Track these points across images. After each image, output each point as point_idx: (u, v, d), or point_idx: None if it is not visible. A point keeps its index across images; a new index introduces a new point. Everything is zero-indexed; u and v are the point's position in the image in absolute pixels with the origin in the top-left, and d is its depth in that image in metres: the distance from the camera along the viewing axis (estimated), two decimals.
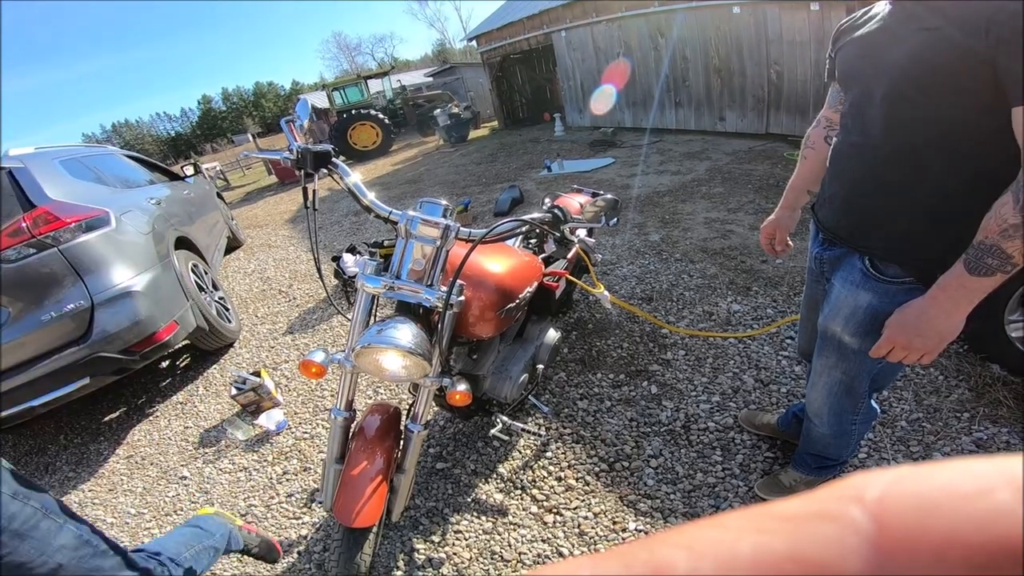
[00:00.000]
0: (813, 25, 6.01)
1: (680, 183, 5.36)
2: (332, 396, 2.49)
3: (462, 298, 1.13)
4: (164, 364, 3.30)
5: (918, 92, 0.88)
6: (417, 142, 14.17)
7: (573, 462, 1.85)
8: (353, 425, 1.27)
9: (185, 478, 2.21)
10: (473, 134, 12.54)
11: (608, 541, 1.56)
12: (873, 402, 1.33)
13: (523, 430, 1.77)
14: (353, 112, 12.39)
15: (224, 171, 16.38)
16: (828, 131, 1.28)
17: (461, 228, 1.13)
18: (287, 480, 2.03)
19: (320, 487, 1.47)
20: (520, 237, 1.99)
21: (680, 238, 3.72)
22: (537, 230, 1.31)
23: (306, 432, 2.27)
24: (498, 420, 1.71)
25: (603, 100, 8.63)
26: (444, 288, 1.11)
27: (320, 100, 21.46)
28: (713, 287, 2.95)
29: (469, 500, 1.78)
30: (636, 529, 1.58)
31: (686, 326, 2.58)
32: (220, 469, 2.20)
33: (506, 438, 1.87)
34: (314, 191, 1.21)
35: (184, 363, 3.26)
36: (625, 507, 1.66)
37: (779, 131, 6.91)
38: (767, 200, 4.41)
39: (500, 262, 1.43)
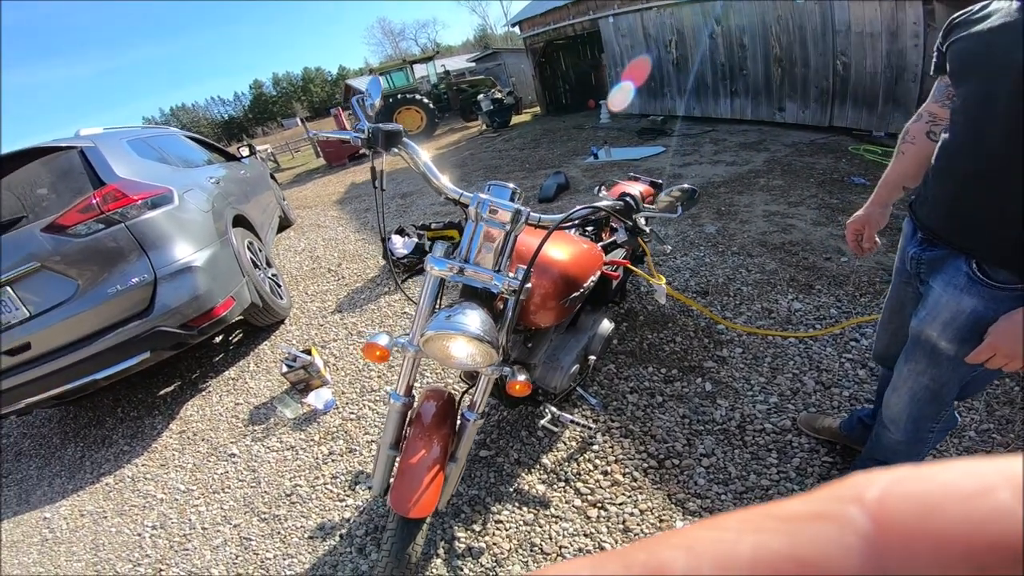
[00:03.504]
0: (885, 16, 5.60)
1: (736, 174, 5.11)
2: (379, 377, 2.51)
3: (529, 285, 1.08)
4: (217, 339, 3.42)
5: None
6: (460, 127, 14.17)
7: (621, 457, 1.79)
8: (410, 411, 1.24)
9: (234, 455, 2.27)
10: (515, 120, 12.43)
11: None
12: (954, 411, 1.25)
13: (572, 422, 1.72)
14: (399, 96, 12.50)
15: (275, 153, 16.96)
16: (931, 126, 1.20)
17: (532, 213, 1.07)
18: (332, 461, 2.06)
19: (371, 471, 1.47)
20: (578, 225, 1.93)
21: (737, 231, 3.54)
22: (608, 217, 1.24)
23: (352, 413, 2.29)
24: (547, 411, 1.67)
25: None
26: (512, 274, 1.06)
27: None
28: (772, 283, 2.79)
29: (511, 490, 1.75)
30: None
31: (743, 323, 2.45)
32: (268, 447, 2.25)
33: (555, 429, 1.83)
34: (382, 171, 1.18)
35: (237, 339, 3.38)
36: (673, 505, 1.60)
37: (843, 124, 6.48)
38: (831, 195, 4.14)
39: (565, 250, 1.37)
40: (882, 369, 1.50)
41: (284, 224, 6.03)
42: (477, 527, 1.65)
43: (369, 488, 1.86)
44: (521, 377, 1.14)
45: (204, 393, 2.85)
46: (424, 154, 1.14)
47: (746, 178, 4.92)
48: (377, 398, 2.36)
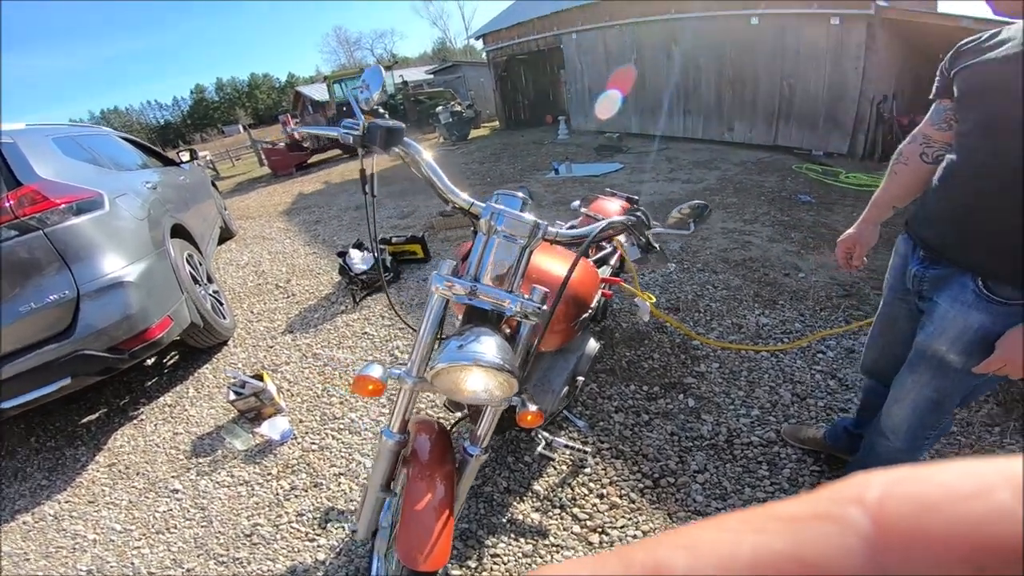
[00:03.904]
0: (832, 39, 5.99)
1: (692, 191, 5.26)
2: (341, 403, 2.30)
3: (546, 307, 0.97)
4: (149, 362, 3.07)
5: None
6: (417, 138, 13.94)
7: (615, 478, 1.72)
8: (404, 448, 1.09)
9: (177, 491, 2.00)
10: (474, 133, 12.39)
11: None
12: (951, 418, 1.29)
13: (566, 446, 1.63)
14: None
15: (214, 160, 16.01)
16: (924, 147, 1.22)
17: (549, 227, 0.97)
18: (296, 497, 1.85)
19: (355, 512, 1.29)
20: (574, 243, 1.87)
21: (700, 247, 3.61)
22: (625, 233, 1.15)
23: (314, 443, 2.08)
24: (539, 437, 1.56)
25: (608, 105, 8.55)
26: (528, 296, 0.94)
27: (319, 92, 21.09)
28: (739, 299, 2.84)
29: (504, 521, 1.63)
30: None
31: (716, 338, 2.46)
32: (217, 482, 1.99)
33: (552, 456, 1.74)
34: (372, 174, 1.05)
35: (172, 361, 3.04)
36: (675, 523, 1.55)
37: (787, 144, 6.89)
38: (782, 212, 4.33)
39: (583, 270, 1.29)
40: (868, 381, 1.51)
41: (225, 235, 5.62)
42: (472, 563, 1.51)
43: (344, 527, 1.67)
44: (532, 407, 1.03)
45: (136, 422, 2.52)
46: (427, 154, 1.02)
47: (701, 196, 5.07)
48: (341, 426, 2.16)
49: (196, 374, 2.83)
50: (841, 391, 2.02)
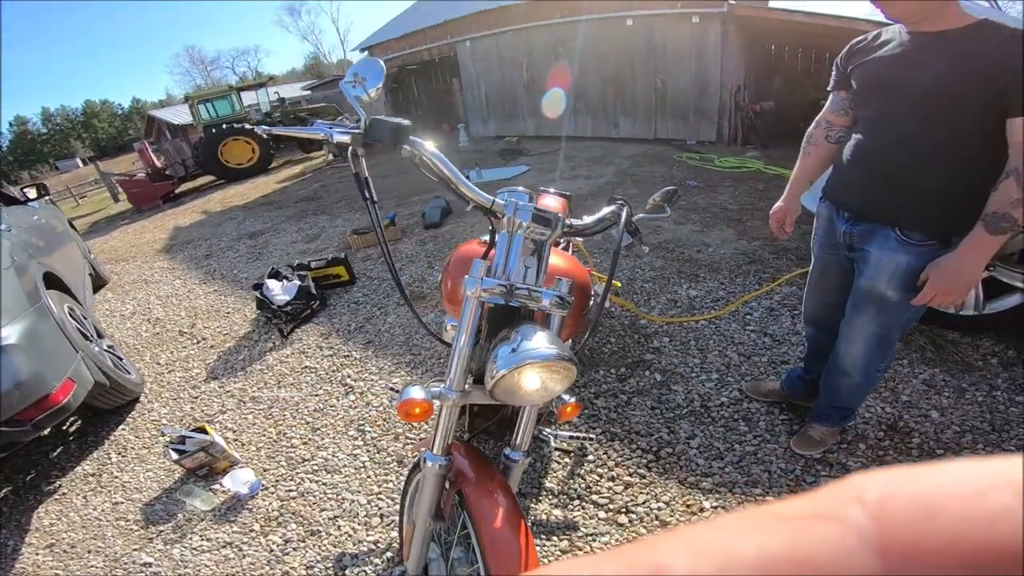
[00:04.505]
0: (695, 37, 6.72)
1: (596, 186, 5.60)
2: (304, 444, 2.09)
3: (572, 298, 0.97)
4: (45, 432, 2.56)
5: (942, 107, 1.13)
6: (300, 158, 13.10)
7: (619, 460, 1.78)
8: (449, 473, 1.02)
9: (150, 564, 1.69)
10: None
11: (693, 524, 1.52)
12: (894, 349, 1.53)
13: (573, 437, 1.68)
14: (224, 126, 11.06)
15: (53, 200, 13.60)
16: (828, 131, 1.47)
17: (564, 220, 0.98)
18: (295, 550, 1.65)
19: (403, 552, 1.16)
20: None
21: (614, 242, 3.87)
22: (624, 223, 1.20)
23: (291, 490, 1.87)
24: (548, 435, 1.57)
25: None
26: (553, 288, 0.94)
27: (178, 116, 18.92)
28: (666, 278, 3.10)
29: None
30: (712, 507, 1.58)
31: (658, 314, 2.66)
32: (195, 548, 1.72)
33: (570, 448, 1.77)
34: (366, 178, 0.97)
35: (75, 427, 2.55)
36: (690, 489, 1.65)
37: (665, 136, 7.62)
38: (677, 205, 4.79)
39: (573, 262, 1.31)
40: (811, 329, 1.74)
41: (97, 283, 4.81)
42: None
43: (365, 571, 1.53)
44: (571, 399, 1.03)
45: (57, 496, 2.11)
46: (437, 151, 0.97)
47: (605, 189, 5.42)
48: (315, 467, 1.96)
49: (112, 437, 2.41)
50: (776, 346, 2.29)
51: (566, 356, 0.81)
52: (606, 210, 1.09)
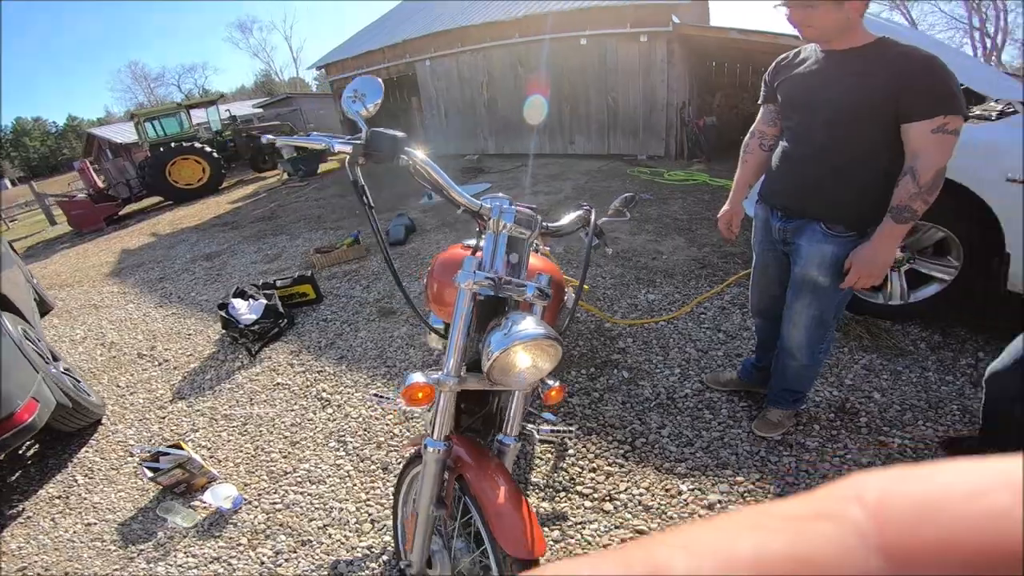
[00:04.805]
0: (643, 55, 7.11)
1: (556, 201, 5.82)
2: (284, 458, 2.10)
3: (551, 290, 1.10)
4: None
5: (851, 118, 1.32)
6: (251, 177, 12.75)
7: (598, 452, 1.90)
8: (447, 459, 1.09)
9: None
10: (323, 167, 11.81)
11: (672, 507, 1.66)
12: (833, 332, 1.73)
13: (555, 430, 1.79)
14: (173, 145, 10.68)
15: None
16: (761, 140, 1.69)
17: (543, 222, 1.11)
18: (287, 561, 1.66)
19: (405, 547, 1.20)
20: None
21: (579, 247, 4.06)
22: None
23: (275, 502, 1.88)
24: (531, 431, 1.67)
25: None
26: (534, 282, 1.07)
27: (120, 134, 18.03)
28: (625, 284, 3.30)
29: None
30: (689, 489, 1.71)
31: (621, 317, 2.84)
32: (180, 565, 1.70)
33: (557, 440, 1.87)
34: (363, 185, 1.07)
35: (32, 451, 2.45)
36: (666, 474, 1.78)
37: (618, 151, 7.98)
38: (635, 211, 5.07)
39: (548, 261, 1.43)
40: (758, 320, 1.94)
41: (42, 310, 4.56)
42: None
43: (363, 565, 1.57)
44: (554, 383, 1.14)
45: (23, 520, 2.03)
46: (429, 160, 1.09)
47: (564, 204, 5.65)
48: (298, 478, 1.98)
49: (76, 460, 2.34)
50: (729, 340, 2.51)
51: (552, 335, 0.94)
52: (574, 214, 1.24)
